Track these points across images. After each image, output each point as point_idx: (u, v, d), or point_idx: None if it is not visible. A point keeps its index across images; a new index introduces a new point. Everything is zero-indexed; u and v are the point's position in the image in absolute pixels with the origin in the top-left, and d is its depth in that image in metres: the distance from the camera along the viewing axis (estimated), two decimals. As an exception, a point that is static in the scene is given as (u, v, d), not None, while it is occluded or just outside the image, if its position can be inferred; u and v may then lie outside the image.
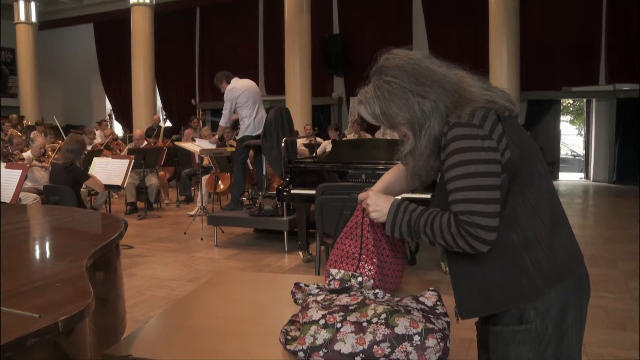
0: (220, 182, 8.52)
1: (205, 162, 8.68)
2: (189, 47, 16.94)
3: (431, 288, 1.49)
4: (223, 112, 7.16)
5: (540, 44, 11.98)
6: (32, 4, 16.40)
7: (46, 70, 17.54)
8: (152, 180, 8.72)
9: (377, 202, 1.53)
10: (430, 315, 1.36)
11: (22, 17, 16.28)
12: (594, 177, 12.45)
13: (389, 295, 1.54)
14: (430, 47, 13.28)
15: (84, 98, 18.78)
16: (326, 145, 9.78)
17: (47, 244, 1.67)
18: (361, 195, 1.62)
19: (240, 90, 6.93)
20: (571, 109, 23.11)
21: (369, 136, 11.57)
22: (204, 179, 8.18)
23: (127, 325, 2.00)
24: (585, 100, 12.68)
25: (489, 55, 10.83)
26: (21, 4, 16.24)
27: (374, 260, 1.58)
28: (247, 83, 7.10)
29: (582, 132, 12.30)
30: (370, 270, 1.58)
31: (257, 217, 6.13)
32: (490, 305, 1.44)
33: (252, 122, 6.96)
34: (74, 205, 5.17)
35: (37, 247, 1.65)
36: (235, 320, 1.58)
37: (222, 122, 7.29)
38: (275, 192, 5.99)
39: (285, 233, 6.01)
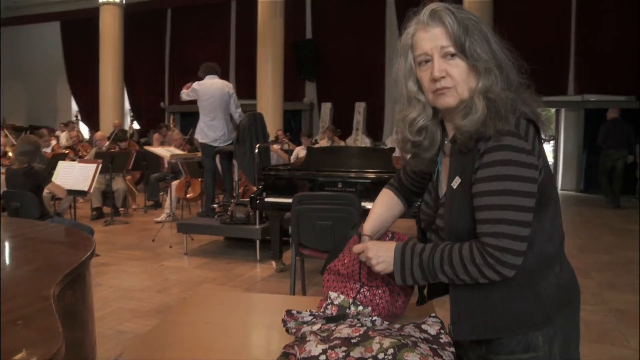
0: (190, 187, 8.32)
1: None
2: (159, 49, 16.62)
3: (433, 315, 1.39)
4: (187, 91, 6.91)
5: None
6: (-5, -1, 15.92)
7: (9, 68, 17.01)
8: (119, 185, 8.46)
9: (378, 253, 1.37)
10: (435, 346, 1.25)
11: (-17, 12, 15.79)
12: (562, 186, 12.58)
13: (387, 323, 1.43)
14: (403, 54, 13.28)
15: (49, 98, 18.26)
16: (299, 151, 9.66)
17: (3, 268, 1.47)
18: (357, 248, 1.44)
19: (201, 93, 6.76)
20: (539, 118, 23.43)
21: (342, 142, 11.52)
22: (174, 184, 7.97)
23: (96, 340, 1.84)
24: (554, 110, 12.82)
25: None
26: (-17, -1, 15.75)
27: (378, 291, 1.46)
28: (213, 88, 6.83)
29: (551, 142, 12.43)
30: (372, 299, 1.46)
31: (229, 225, 5.97)
32: (491, 330, 1.33)
33: (202, 128, 6.80)
34: (37, 211, 4.93)
35: None
36: (217, 351, 1.44)
37: (181, 96, 7.03)
38: (247, 199, 5.84)
39: (258, 242, 5.86)
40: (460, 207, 1.31)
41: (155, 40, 16.55)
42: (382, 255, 1.37)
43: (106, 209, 8.52)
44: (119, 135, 9.80)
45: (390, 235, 1.61)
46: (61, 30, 17.88)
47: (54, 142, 10.08)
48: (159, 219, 7.97)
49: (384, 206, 1.61)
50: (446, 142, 1.41)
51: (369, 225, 1.56)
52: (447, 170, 1.40)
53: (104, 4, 13.82)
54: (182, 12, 16.01)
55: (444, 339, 1.35)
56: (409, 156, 1.45)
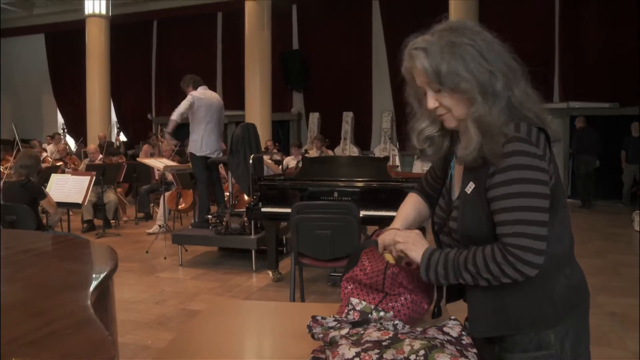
0: (182, 199, 8.32)
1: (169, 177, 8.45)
2: (145, 61, 16.60)
3: (452, 317, 1.43)
4: (178, 107, 6.68)
5: (496, 62, 12.21)
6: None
7: (-6, 81, 16.90)
8: (110, 197, 8.43)
9: (417, 241, 1.44)
10: (459, 347, 1.30)
11: (-32, 25, 15.65)
12: (549, 192, 12.75)
13: (408, 327, 1.47)
14: (390, 63, 13.41)
15: (35, 111, 18.14)
16: (289, 162, 9.70)
17: (35, 278, 1.49)
18: (387, 239, 1.51)
19: (202, 102, 6.76)
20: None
21: (330, 152, 11.58)
22: (166, 195, 7.96)
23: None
24: (539, 117, 13.01)
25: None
26: (-33, 11, 15.60)
27: (401, 299, 1.50)
28: (213, 98, 6.91)
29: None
30: (394, 306, 1.50)
31: (224, 236, 5.99)
32: (505, 328, 1.39)
33: (200, 140, 6.80)
34: (33, 224, 4.92)
35: (24, 281, 1.46)
36: (246, 357, 1.48)
37: (174, 116, 6.68)
38: (242, 210, 5.86)
39: (253, 252, 5.88)
40: (474, 211, 1.37)
41: (142, 52, 16.54)
42: (419, 243, 1.43)
43: (97, 222, 8.48)
44: (112, 150, 9.78)
45: None
46: (46, 42, 17.81)
47: (44, 154, 10.00)
48: (150, 231, 7.95)
49: (411, 206, 1.68)
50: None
51: (397, 223, 1.62)
52: (459, 175, 1.46)
53: (90, 16, 13.77)
54: (168, 23, 16.02)
55: (466, 340, 1.39)
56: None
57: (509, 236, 1.27)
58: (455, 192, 1.48)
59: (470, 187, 1.39)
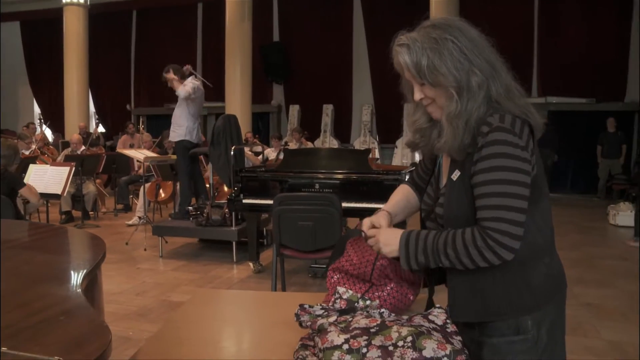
0: (161, 190, 8.27)
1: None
2: (124, 51, 16.38)
3: (438, 305, 1.46)
4: (184, 87, 6.56)
5: (475, 57, 12.32)
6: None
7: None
8: (89, 188, 8.35)
9: (387, 239, 1.48)
10: (444, 335, 1.33)
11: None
12: (527, 186, 12.92)
13: (394, 315, 1.50)
14: (370, 56, 13.44)
15: (10, 101, 17.80)
16: (269, 153, 9.70)
17: (26, 267, 1.48)
18: (371, 232, 1.54)
19: (200, 93, 6.72)
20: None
21: (310, 144, 11.59)
22: (145, 186, 7.91)
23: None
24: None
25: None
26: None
27: (387, 288, 1.53)
28: (202, 91, 6.85)
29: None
30: (380, 295, 1.53)
31: (205, 227, 5.98)
32: (485, 313, 1.44)
33: (196, 128, 6.75)
34: (12, 215, 4.84)
35: (16, 270, 1.45)
36: (231, 346, 1.49)
37: (183, 95, 6.56)
38: (222, 201, 5.85)
39: (234, 243, 5.88)
40: (458, 197, 1.43)
41: (121, 42, 16.32)
42: (389, 239, 1.47)
43: (76, 213, 8.39)
44: (91, 140, 9.66)
45: None
46: (21, 30, 17.48)
47: (34, 146, 9.82)
48: (130, 222, 7.90)
49: (402, 195, 1.73)
50: None
51: (387, 207, 1.68)
52: (447, 164, 1.52)
53: (67, 4, 13.55)
54: (147, 13, 15.84)
55: (451, 328, 1.43)
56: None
57: (488, 220, 1.32)
58: (443, 180, 1.54)
59: (456, 175, 1.44)
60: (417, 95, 1.44)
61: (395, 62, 1.46)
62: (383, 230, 1.52)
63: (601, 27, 11.75)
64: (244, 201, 5.28)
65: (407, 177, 1.83)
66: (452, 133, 1.38)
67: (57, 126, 15.33)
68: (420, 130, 1.54)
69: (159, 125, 12.82)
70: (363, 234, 1.59)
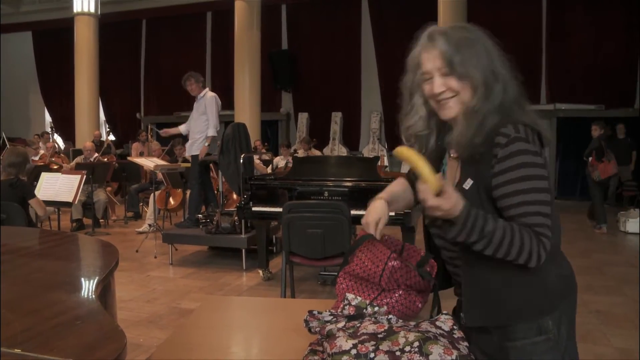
0: (171, 198, 8.33)
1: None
2: (134, 60, 16.54)
3: (445, 312, 1.49)
4: (209, 116, 6.78)
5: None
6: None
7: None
8: (100, 196, 8.42)
9: (451, 196, 1.31)
10: (451, 341, 1.35)
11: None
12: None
13: (402, 321, 1.52)
14: (379, 63, 13.48)
15: (22, 109, 18.00)
16: (278, 161, 9.74)
17: (42, 273, 1.52)
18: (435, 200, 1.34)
19: (219, 103, 6.83)
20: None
21: (318, 153, 11.62)
22: (155, 194, 7.97)
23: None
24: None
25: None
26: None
27: (395, 295, 1.56)
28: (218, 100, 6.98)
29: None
30: (389, 302, 1.55)
31: (214, 235, 6.02)
32: (502, 317, 1.45)
33: (213, 138, 6.84)
34: (24, 222, 4.91)
35: (31, 276, 1.50)
36: (241, 352, 1.52)
37: (211, 132, 6.82)
38: (232, 209, 5.89)
39: (244, 251, 5.91)
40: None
41: (131, 51, 16.48)
42: (453, 199, 1.32)
43: (86, 221, 8.47)
44: (106, 149, 9.76)
45: (400, 247, 1.71)
46: (33, 40, 17.68)
47: (42, 151, 9.94)
48: (140, 230, 7.96)
49: (399, 186, 1.78)
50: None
51: (384, 194, 1.70)
52: (452, 172, 1.54)
53: (78, 14, 13.69)
54: (157, 22, 15.99)
55: (457, 334, 1.45)
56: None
57: (535, 226, 1.35)
58: None
59: (468, 184, 1.45)
60: (438, 88, 1.44)
61: (416, 52, 1.49)
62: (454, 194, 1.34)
63: (609, 33, 11.75)
64: (254, 209, 5.31)
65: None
66: (465, 127, 1.41)
67: (68, 134, 15.46)
68: (416, 137, 1.57)
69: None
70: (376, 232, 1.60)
